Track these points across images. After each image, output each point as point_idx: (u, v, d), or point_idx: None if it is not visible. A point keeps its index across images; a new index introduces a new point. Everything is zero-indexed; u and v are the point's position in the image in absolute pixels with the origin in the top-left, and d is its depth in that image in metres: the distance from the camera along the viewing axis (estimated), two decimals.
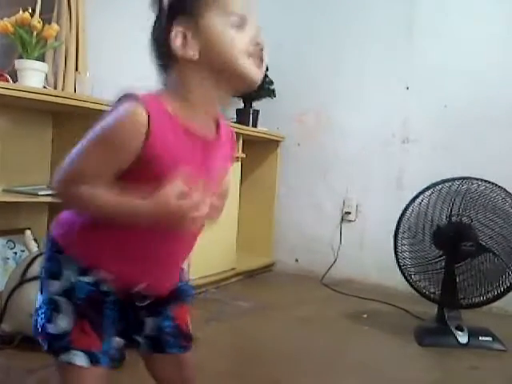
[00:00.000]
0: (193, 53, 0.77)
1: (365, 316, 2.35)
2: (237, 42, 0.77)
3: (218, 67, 0.78)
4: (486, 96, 2.63)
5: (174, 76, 0.80)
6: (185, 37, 0.77)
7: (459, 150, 2.71)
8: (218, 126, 0.86)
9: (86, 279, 0.81)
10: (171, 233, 0.81)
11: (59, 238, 0.84)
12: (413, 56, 2.87)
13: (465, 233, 2.01)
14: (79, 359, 0.80)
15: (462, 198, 2.03)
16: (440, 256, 2.07)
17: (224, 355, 1.81)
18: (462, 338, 1.99)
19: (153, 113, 0.73)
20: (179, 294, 0.93)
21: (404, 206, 2.12)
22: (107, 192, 0.74)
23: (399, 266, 2.12)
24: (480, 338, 2.00)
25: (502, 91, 2.60)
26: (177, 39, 0.77)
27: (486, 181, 2.03)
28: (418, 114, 2.86)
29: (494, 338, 2.01)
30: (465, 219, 2.03)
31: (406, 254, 2.12)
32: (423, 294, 2.12)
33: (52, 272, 0.82)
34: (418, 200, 2.10)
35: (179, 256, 0.90)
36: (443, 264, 2.06)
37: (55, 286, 0.81)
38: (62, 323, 0.80)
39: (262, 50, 0.80)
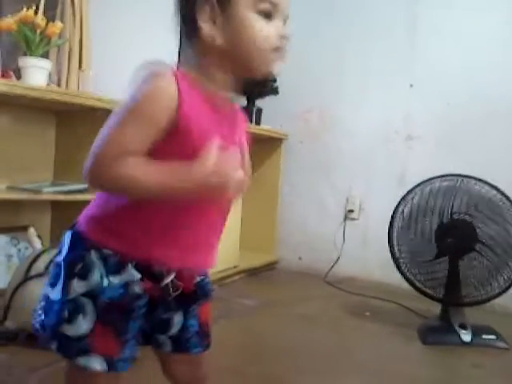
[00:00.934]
0: (217, 37, 0.76)
1: (367, 314, 2.35)
2: (265, 35, 0.76)
3: (240, 56, 0.77)
4: (489, 93, 2.62)
5: (194, 51, 0.80)
6: (213, 16, 0.76)
7: (462, 147, 2.70)
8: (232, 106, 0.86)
9: (118, 280, 0.77)
10: (212, 203, 0.80)
11: (92, 234, 0.79)
12: (416, 54, 2.86)
13: (466, 231, 2.01)
14: (97, 365, 0.77)
15: (464, 196, 2.03)
16: (441, 253, 2.06)
17: (227, 352, 1.81)
18: (466, 336, 1.98)
19: (180, 82, 0.73)
20: (204, 290, 0.91)
21: None
22: (150, 163, 0.72)
23: (396, 263, 2.13)
24: (483, 336, 2.00)
25: (505, 88, 2.59)
26: (204, 14, 0.76)
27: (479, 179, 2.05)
28: (421, 111, 2.85)
29: (498, 337, 2.00)
30: (467, 217, 2.03)
31: (404, 248, 2.12)
32: (421, 291, 2.12)
33: (78, 271, 0.78)
34: (413, 196, 2.11)
35: (218, 228, 0.87)
36: (445, 261, 2.05)
37: (80, 286, 0.77)
38: (84, 325, 0.76)
39: (286, 43, 0.80)
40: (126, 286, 0.78)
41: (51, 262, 1.63)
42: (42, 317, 0.81)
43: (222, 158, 0.72)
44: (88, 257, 0.78)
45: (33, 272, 1.63)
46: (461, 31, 2.73)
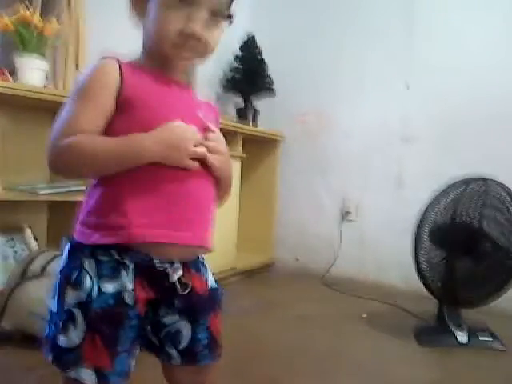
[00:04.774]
0: (136, 18, 0.83)
1: (364, 315, 2.34)
2: (166, 28, 0.78)
3: (151, 43, 0.83)
4: (486, 94, 2.63)
5: (142, 40, 0.86)
6: (142, 6, 0.82)
7: (459, 149, 2.71)
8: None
9: (110, 288, 0.76)
10: (184, 172, 0.79)
11: (79, 236, 0.80)
12: (413, 55, 2.87)
13: (464, 232, 2.01)
14: (87, 377, 0.76)
15: (466, 198, 2.03)
16: (440, 254, 2.06)
17: (223, 353, 1.80)
18: (462, 337, 1.99)
19: (123, 63, 0.80)
20: (215, 299, 0.92)
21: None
22: (105, 137, 0.77)
23: (417, 267, 2.07)
24: (480, 337, 2.00)
25: (503, 89, 2.60)
26: (134, 5, 0.83)
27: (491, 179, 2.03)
28: (419, 112, 2.86)
29: (494, 338, 2.01)
30: (467, 219, 2.02)
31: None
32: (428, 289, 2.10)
33: (71, 282, 0.77)
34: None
35: (203, 206, 0.84)
36: (443, 262, 2.05)
37: (72, 296, 0.77)
38: (75, 336, 0.76)
39: (195, 40, 0.78)
40: (116, 295, 0.77)
41: (47, 263, 1.63)
42: (47, 330, 0.81)
43: (181, 126, 0.78)
44: (81, 266, 0.78)
45: (29, 273, 1.63)
46: (458, 32, 2.73)
